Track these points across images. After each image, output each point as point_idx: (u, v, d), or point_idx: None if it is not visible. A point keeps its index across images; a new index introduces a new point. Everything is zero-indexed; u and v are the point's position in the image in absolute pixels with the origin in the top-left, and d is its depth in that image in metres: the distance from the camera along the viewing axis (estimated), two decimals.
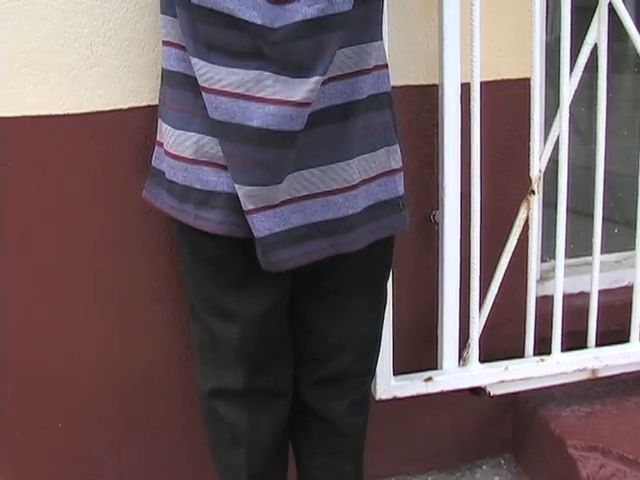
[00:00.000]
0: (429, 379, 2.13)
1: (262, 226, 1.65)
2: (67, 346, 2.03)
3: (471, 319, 2.11)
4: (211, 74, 1.61)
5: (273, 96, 1.57)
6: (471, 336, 2.13)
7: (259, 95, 1.58)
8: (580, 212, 2.27)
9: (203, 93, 1.63)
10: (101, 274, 2.00)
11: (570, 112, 2.06)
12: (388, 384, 2.10)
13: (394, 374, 2.10)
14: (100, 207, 1.96)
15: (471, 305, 2.11)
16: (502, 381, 2.19)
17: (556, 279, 2.17)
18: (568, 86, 2.03)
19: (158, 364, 2.10)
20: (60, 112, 1.88)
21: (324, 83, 1.61)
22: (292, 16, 1.54)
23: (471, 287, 2.09)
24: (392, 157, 1.76)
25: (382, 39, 1.72)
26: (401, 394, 2.12)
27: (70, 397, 2.07)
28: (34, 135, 1.88)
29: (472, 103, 1.96)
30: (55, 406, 2.07)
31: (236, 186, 1.63)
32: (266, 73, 1.57)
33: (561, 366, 2.22)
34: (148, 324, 2.07)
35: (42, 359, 2.03)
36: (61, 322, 2.01)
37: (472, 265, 2.07)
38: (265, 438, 1.91)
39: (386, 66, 1.73)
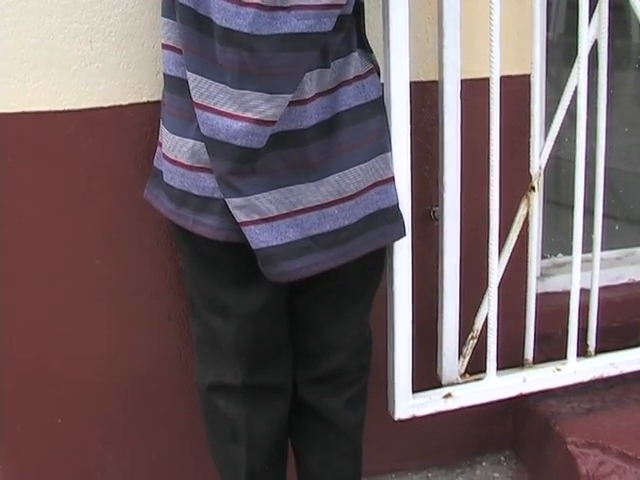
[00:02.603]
0: (448, 395, 2.11)
1: (257, 239, 1.66)
2: (67, 342, 2.03)
3: (489, 331, 2.09)
4: (202, 90, 1.62)
5: (253, 115, 1.59)
6: (488, 349, 2.11)
7: (241, 114, 1.59)
8: None
9: (195, 107, 1.64)
10: (101, 270, 2.00)
11: (569, 109, 2.06)
12: (407, 403, 2.05)
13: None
14: (100, 203, 1.96)
15: (490, 314, 2.09)
16: (521, 393, 2.19)
17: (572, 294, 2.15)
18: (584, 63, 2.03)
19: (158, 360, 2.10)
20: (60, 108, 1.88)
21: (311, 100, 1.63)
22: (280, 27, 1.55)
23: (490, 293, 2.08)
24: (387, 164, 1.77)
25: (363, 47, 1.74)
26: (420, 413, 2.08)
27: (70, 393, 2.07)
28: (34, 131, 1.89)
29: (491, 97, 1.95)
30: (55, 402, 2.07)
31: (226, 200, 1.65)
32: (247, 92, 1.58)
33: (578, 375, 2.21)
34: (148, 320, 2.07)
35: (42, 355, 2.04)
36: (61, 318, 2.02)
37: (490, 261, 2.06)
38: (264, 434, 1.91)
39: (370, 72, 1.74)
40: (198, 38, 1.62)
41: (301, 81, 1.61)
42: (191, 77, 1.64)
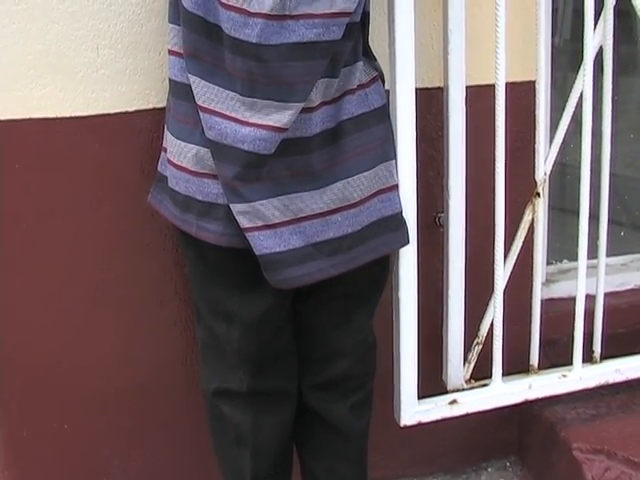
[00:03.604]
0: (454, 402, 2.11)
1: (261, 245, 1.66)
2: (73, 347, 2.04)
3: (495, 337, 2.09)
4: (209, 95, 1.63)
5: (264, 122, 1.60)
6: (494, 355, 2.11)
7: (251, 121, 1.60)
8: None
9: (199, 111, 1.65)
10: (107, 276, 2.01)
11: (574, 115, 2.06)
12: (413, 409, 2.05)
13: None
14: (106, 209, 1.97)
15: (495, 320, 2.09)
16: (526, 399, 2.19)
17: (577, 300, 2.15)
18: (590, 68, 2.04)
19: (164, 365, 2.11)
20: (67, 114, 1.89)
21: (317, 108, 1.64)
22: (289, 36, 1.55)
23: (495, 296, 2.09)
24: (391, 172, 1.78)
25: (367, 55, 1.74)
26: (426, 419, 2.09)
27: (77, 398, 2.08)
28: (41, 137, 1.89)
29: (497, 104, 1.96)
30: (62, 406, 2.08)
31: (230, 205, 1.65)
32: (258, 100, 1.59)
33: (583, 382, 2.21)
34: (154, 326, 2.08)
35: (49, 360, 2.04)
36: (67, 324, 2.02)
37: (496, 272, 2.06)
38: (269, 439, 1.92)
39: (374, 81, 1.75)
40: (208, 46, 1.62)
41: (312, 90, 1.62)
42: (196, 81, 1.64)
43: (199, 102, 1.64)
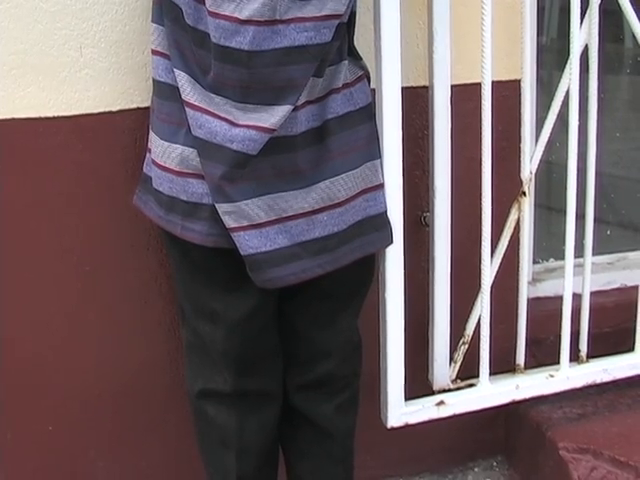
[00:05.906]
0: (441, 403, 2.10)
1: (246, 245, 1.66)
2: (57, 349, 2.03)
3: (482, 338, 2.09)
4: (198, 95, 1.62)
5: (255, 123, 1.59)
6: (481, 356, 2.10)
7: (242, 122, 1.60)
8: None
9: (187, 109, 1.64)
10: (90, 277, 2.00)
11: (560, 113, 2.06)
12: (399, 411, 2.04)
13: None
14: (89, 209, 1.96)
15: (482, 321, 2.08)
16: (513, 400, 2.18)
17: (564, 299, 2.15)
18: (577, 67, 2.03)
19: (148, 366, 2.10)
20: (49, 114, 1.88)
21: (301, 107, 1.63)
22: (280, 41, 1.55)
23: (482, 293, 2.08)
24: (376, 171, 1.77)
25: (352, 54, 1.74)
26: (413, 420, 2.07)
27: (61, 400, 2.07)
28: (24, 137, 1.88)
29: (483, 102, 1.95)
30: (46, 409, 2.07)
31: (216, 205, 1.64)
32: (249, 105, 1.59)
33: (571, 382, 2.21)
34: (138, 326, 2.07)
35: (33, 362, 2.03)
36: (51, 325, 2.01)
37: (483, 271, 2.06)
38: (254, 440, 1.91)
39: (359, 80, 1.74)
40: (197, 53, 1.62)
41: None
42: (186, 78, 1.63)
43: (190, 100, 1.63)
